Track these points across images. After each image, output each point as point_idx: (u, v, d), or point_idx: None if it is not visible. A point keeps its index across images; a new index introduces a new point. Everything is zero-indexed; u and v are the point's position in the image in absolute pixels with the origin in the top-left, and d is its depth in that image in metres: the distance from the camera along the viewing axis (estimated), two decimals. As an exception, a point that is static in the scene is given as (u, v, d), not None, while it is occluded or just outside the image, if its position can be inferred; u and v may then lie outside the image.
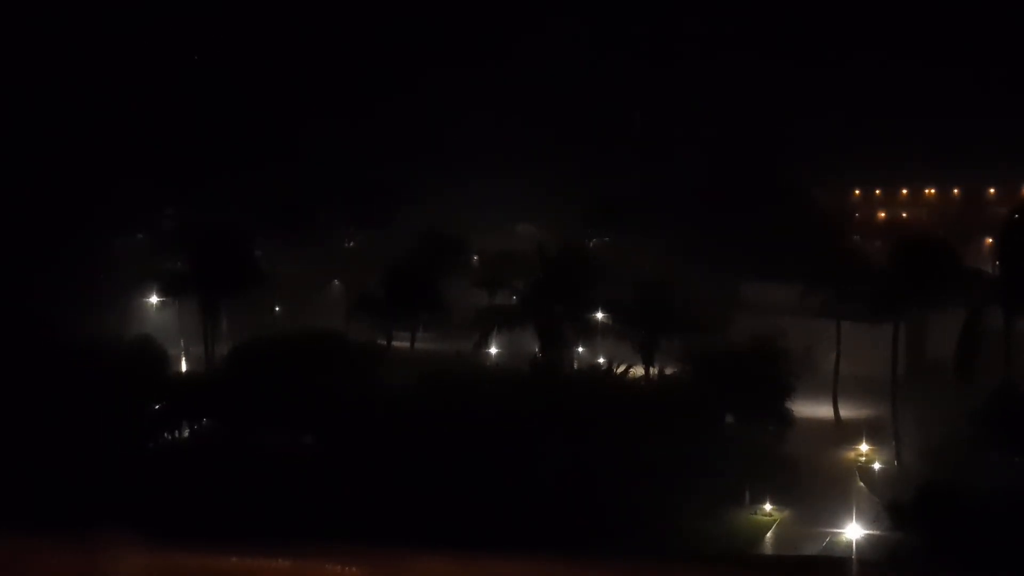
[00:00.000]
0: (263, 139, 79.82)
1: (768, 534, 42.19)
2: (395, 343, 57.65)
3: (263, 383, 44.19)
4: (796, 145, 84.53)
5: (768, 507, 43.26)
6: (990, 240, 72.11)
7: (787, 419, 45.59)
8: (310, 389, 43.63)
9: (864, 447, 50.53)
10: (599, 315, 56.60)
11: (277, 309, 69.42)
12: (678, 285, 55.92)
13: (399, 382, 45.92)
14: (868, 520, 40.38)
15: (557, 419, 40.54)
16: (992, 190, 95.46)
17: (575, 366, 52.90)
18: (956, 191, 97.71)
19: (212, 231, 62.45)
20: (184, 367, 59.65)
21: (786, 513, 43.17)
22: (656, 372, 51.56)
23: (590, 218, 77.85)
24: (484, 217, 76.84)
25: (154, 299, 63.78)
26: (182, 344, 62.27)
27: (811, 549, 39.82)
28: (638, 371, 51.34)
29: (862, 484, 46.44)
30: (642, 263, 64.25)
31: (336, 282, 74.53)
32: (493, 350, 59.32)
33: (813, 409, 52.70)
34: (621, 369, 48.68)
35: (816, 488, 44.84)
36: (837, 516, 41.17)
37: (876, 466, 48.81)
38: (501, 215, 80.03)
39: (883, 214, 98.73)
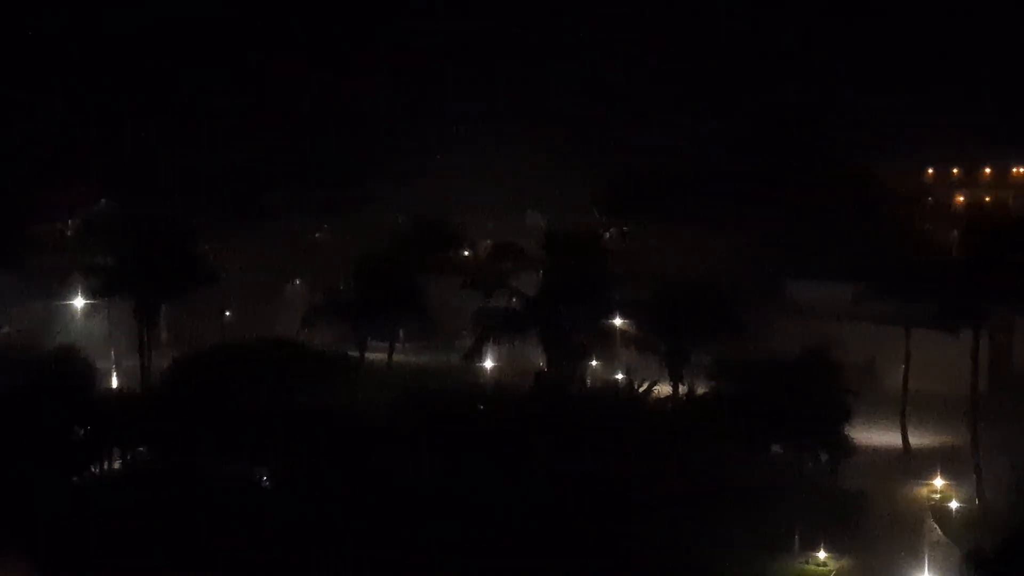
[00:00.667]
0: (211, 108, 79.60)
1: (822, 587, 42.23)
2: (370, 354, 57.61)
3: (211, 403, 44.30)
4: (857, 114, 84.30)
5: (822, 555, 43.13)
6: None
7: (845, 447, 45.56)
8: (267, 410, 43.68)
9: (939, 482, 50.37)
10: (617, 320, 56.60)
11: (227, 313, 69.39)
12: (713, 283, 55.95)
13: (374, 402, 45.97)
14: (944, 571, 40.26)
15: (568, 448, 40.41)
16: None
17: (588, 383, 52.81)
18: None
19: (151, 219, 62.28)
20: (115, 383, 59.54)
21: (844, 562, 42.86)
22: (686, 390, 51.61)
23: (607, 202, 77.71)
24: (479, 201, 76.72)
25: (79, 301, 63.69)
26: (113, 356, 62.23)
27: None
28: (664, 389, 51.32)
29: (936, 527, 46.35)
30: (670, 256, 64.10)
31: (298, 281, 74.51)
32: (489, 363, 59.36)
33: (876, 435, 52.66)
34: (644, 387, 48.67)
35: (880, 532, 44.64)
36: (906, 566, 41.02)
37: (953, 505, 48.64)
38: (499, 199, 79.77)
39: (962, 198, 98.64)
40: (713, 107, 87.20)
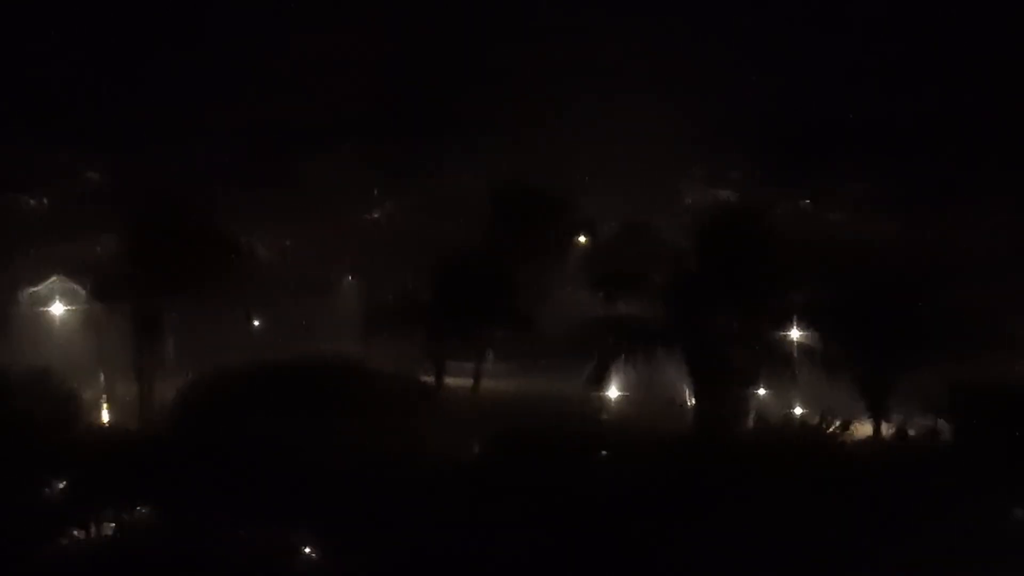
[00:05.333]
0: (226, 37, 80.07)
1: None
2: (449, 378, 58.43)
3: (233, 445, 45.01)
4: None
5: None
6: None
7: None
8: (309, 455, 44.25)
9: None
10: (794, 332, 56.57)
11: (256, 322, 70.41)
12: (933, 279, 56.04)
13: (456, 445, 46.24)
14: None
15: (729, 517, 40.48)
16: None
17: (752, 420, 52.83)
18: None
19: (155, 192, 63.50)
20: (105, 418, 60.83)
21: None
22: (893, 429, 51.39)
23: (782, 165, 77.02)
24: (603, 166, 76.44)
25: (57, 305, 65.16)
26: (102, 380, 63.54)
27: None
28: (862, 429, 51.31)
29: None
30: (870, 242, 63.46)
31: (351, 277, 75.11)
32: (614, 392, 59.73)
33: None
34: (836, 427, 48.50)
35: None
36: None
37: None
38: (631, 162, 79.44)
39: None
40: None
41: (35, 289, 65.96)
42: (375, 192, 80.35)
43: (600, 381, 56.55)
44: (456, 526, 41.64)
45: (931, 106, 77.85)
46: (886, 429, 52.32)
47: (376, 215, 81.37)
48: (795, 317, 56.82)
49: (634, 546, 40.34)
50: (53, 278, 65.85)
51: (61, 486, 46.42)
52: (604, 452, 45.69)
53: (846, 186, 74.58)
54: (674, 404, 52.36)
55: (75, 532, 46.09)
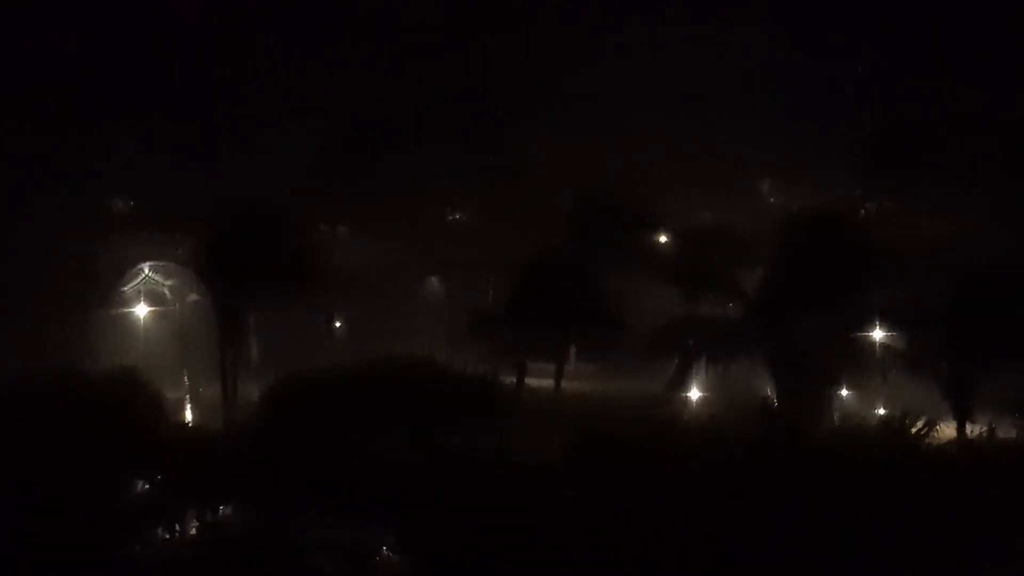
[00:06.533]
0: (307, 39, 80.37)
1: None
2: (531, 379, 58.63)
3: (318, 445, 45.20)
4: None
5: None
6: None
7: None
8: (392, 454, 44.42)
9: None
10: (877, 332, 56.18)
11: (338, 324, 70.64)
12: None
13: (539, 445, 46.35)
14: None
15: (814, 519, 40.20)
16: None
17: (836, 421, 52.46)
18: None
19: (239, 193, 64.34)
20: (188, 418, 61.35)
21: None
22: (979, 431, 50.93)
23: (867, 167, 76.49)
24: (686, 167, 76.23)
25: (141, 306, 65.61)
26: (185, 380, 64.05)
27: None
28: (946, 431, 50.76)
29: None
30: (957, 244, 62.80)
31: (433, 278, 75.32)
32: (695, 393, 59.35)
33: None
34: (918, 427, 48.10)
35: None
36: None
37: None
38: (716, 162, 79.10)
39: None
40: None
41: (121, 290, 66.87)
42: (459, 194, 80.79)
43: (682, 382, 56.63)
44: (538, 527, 41.71)
45: (1017, 106, 77.10)
46: (973, 431, 51.73)
47: (460, 217, 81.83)
48: (881, 318, 56.58)
49: (715, 548, 40.15)
50: (139, 280, 66.67)
51: (146, 486, 46.79)
52: (685, 453, 45.47)
53: (931, 186, 73.94)
54: (757, 406, 52.07)
55: (161, 532, 46.55)
